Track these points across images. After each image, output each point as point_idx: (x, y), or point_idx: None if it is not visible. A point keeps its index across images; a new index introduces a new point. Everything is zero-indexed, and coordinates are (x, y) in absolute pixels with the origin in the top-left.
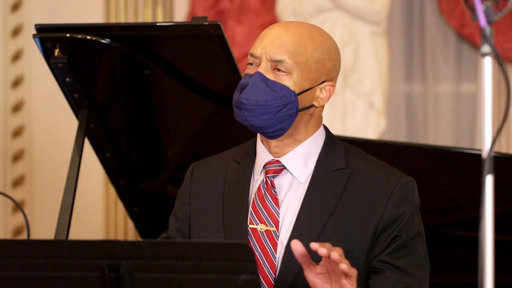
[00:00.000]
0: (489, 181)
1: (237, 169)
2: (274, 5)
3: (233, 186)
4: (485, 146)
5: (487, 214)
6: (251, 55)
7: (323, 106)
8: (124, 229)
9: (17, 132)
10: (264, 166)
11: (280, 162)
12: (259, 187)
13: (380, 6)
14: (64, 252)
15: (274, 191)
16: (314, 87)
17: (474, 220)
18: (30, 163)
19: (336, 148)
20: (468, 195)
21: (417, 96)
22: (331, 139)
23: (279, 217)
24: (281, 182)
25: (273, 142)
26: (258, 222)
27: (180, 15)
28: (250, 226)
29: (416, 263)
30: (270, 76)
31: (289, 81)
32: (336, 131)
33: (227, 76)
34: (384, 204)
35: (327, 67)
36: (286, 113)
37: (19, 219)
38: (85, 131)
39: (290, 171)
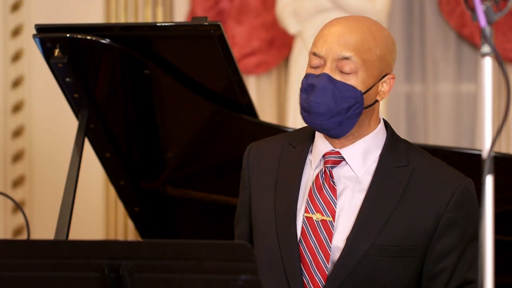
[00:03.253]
0: (489, 181)
1: (292, 153)
2: (274, 5)
3: (286, 170)
4: (485, 146)
5: (487, 214)
6: (315, 54)
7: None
8: (124, 229)
9: (17, 132)
10: (323, 156)
11: (340, 154)
12: (317, 176)
13: (380, 6)
14: (64, 252)
15: (333, 181)
16: (377, 83)
17: None
18: (30, 163)
19: (398, 144)
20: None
21: (417, 96)
22: (393, 135)
23: (336, 207)
24: (339, 174)
25: None
26: (314, 211)
27: (180, 15)
28: (306, 214)
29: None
30: (336, 76)
31: (356, 81)
32: None
33: (227, 76)
34: (445, 206)
35: (388, 61)
36: (353, 112)
37: (19, 219)
38: (85, 131)
39: (349, 164)
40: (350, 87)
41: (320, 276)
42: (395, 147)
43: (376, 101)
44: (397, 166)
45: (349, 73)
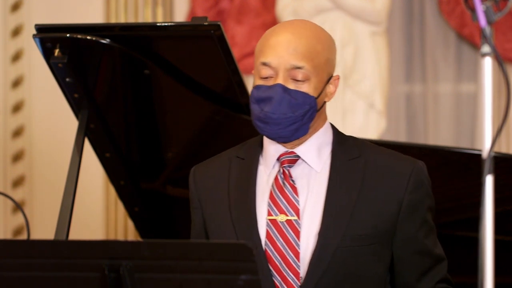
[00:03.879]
0: (489, 181)
1: (241, 165)
2: (274, 5)
3: (238, 181)
4: (485, 146)
5: (487, 214)
6: (265, 64)
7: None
8: (124, 229)
9: (17, 132)
10: (278, 158)
11: (295, 153)
12: (276, 178)
13: (380, 6)
14: (64, 252)
15: (292, 180)
16: (326, 85)
17: (474, 220)
18: (30, 163)
19: (346, 139)
20: (468, 195)
21: (417, 96)
22: (338, 132)
23: (299, 205)
24: (297, 173)
25: None
26: (278, 213)
27: (180, 15)
28: (269, 217)
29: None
30: (290, 85)
31: (309, 87)
32: None
33: (227, 76)
34: (404, 189)
35: (333, 62)
36: (309, 117)
37: (19, 219)
38: (85, 131)
39: (305, 161)
40: (304, 95)
41: (293, 276)
42: (343, 142)
43: (325, 102)
44: (350, 158)
45: (302, 81)
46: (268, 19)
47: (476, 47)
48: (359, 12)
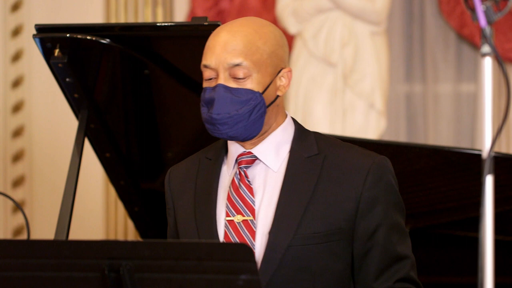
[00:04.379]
0: (489, 181)
1: (208, 165)
2: (274, 5)
3: (203, 183)
4: (485, 146)
5: (487, 214)
6: (206, 66)
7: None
8: (124, 229)
9: (17, 132)
10: (236, 159)
11: (252, 153)
12: (233, 179)
13: (380, 6)
14: (64, 252)
15: (248, 180)
16: (274, 79)
17: (474, 220)
18: (30, 163)
19: (307, 136)
20: (468, 195)
21: (417, 96)
22: (300, 129)
23: (254, 205)
24: (255, 173)
25: None
26: (235, 213)
27: (180, 15)
28: (227, 218)
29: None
30: (231, 84)
31: (252, 84)
32: (336, 131)
33: None
34: (362, 185)
35: (280, 55)
36: (257, 114)
37: (19, 219)
38: (85, 131)
39: (262, 160)
40: (247, 91)
41: None
42: (304, 139)
43: (277, 96)
44: (308, 156)
45: (244, 78)
46: (268, 19)
47: (476, 47)
48: (359, 12)
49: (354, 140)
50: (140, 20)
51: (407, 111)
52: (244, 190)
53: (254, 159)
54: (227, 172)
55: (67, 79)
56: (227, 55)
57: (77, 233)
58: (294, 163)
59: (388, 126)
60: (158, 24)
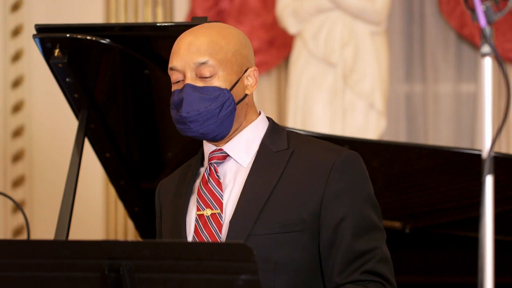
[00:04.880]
0: (489, 181)
1: (188, 171)
2: (274, 5)
3: (180, 186)
4: (485, 146)
5: (487, 214)
6: (172, 69)
7: (253, 92)
8: (124, 229)
9: (17, 132)
10: (208, 156)
11: (223, 150)
12: (203, 175)
13: (380, 6)
14: (64, 252)
15: (217, 175)
16: (241, 77)
17: (474, 220)
18: (30, 163)
19: (279, 132)
20: (468, 195)
21: (417, 96)
22: (274, 126)
23: (222, 199)
24: (226, 169)
25: None
26: (204, 208)
27: (180, 15)
28: (198, 212)
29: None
30: (198, 83)
31: (218, 81)
32: (336, 131)
33: None
34: (325, 179)
35: (244, 54)
36: (226, 110)
37: (19, 219)
38: (85, 131)
39: (232, 157)
40: (215, 88)
41: None
42: (276, 135)
43: (246, 95)
44: (277, 150)
45: (210, 76)
46: (268, 19)
47: (476, 47)
48: (359, 12)
49: (354, 140)
50: (140, 20)
51: (407, 111)
52: (212, 184)
53: (225, 155)
54: (202, 172)
55: (67, 79)
56: (193, 55)
57: (77, 233)
58: (261, 157)
59: (388, 126)
60: (158, 24)
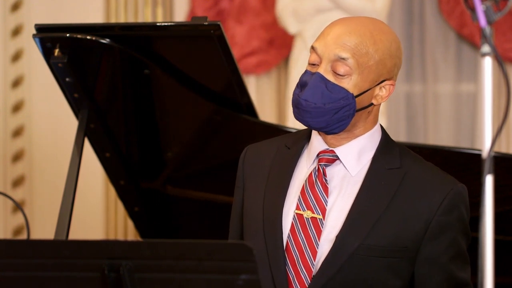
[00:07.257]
0: (489, 181)
1: (286, 154)
2: (274, 5)
3: (278, 170)
4: (485, 146)
5: (487, 214)
6: (313, 48)
7: (380, 104)
8: (124, 229)
9: (17, 132)
10: (317, 155)
11: (334, 152)
12: (310, 174)
13: (380, 6)
14: (64, 252)
15: (325, 179)
16: (373, 87)
17: (474, 220)
18: (30, 163)
19: (392, 147)
20: (468, 195)
21: (417, 96)
22: (387, 139)
23: (327, 205)
24: (333, 173)
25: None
26: (305, 209)
27: (180, 15)
28: (297, 211)
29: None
30: (330, 77)
31: (349, 84)
32: None
33: (227, 76)
34: (436, 209)
35: (388, 66)
36: (343, 114)
37: (19, 219)
38: (85, 131)
39: (343, 162)
40: (341, 89)
41: (305, 273)
42: (389, 150)
43: (372, 104)
44: (389, 168)
45: (343, 75)
46: (268, 19)
47: (476, 47)
48: (359, 12)
49: None
50: (140, 20)
51: (407, 111)
52: (319, 187)
53: (335, 159)
54: (305, 165)
55: (67, 79)
56: (336, 47)
57: (77, 233)
58: (374, 173)
59: (388, 126)
60: (158, 24)
